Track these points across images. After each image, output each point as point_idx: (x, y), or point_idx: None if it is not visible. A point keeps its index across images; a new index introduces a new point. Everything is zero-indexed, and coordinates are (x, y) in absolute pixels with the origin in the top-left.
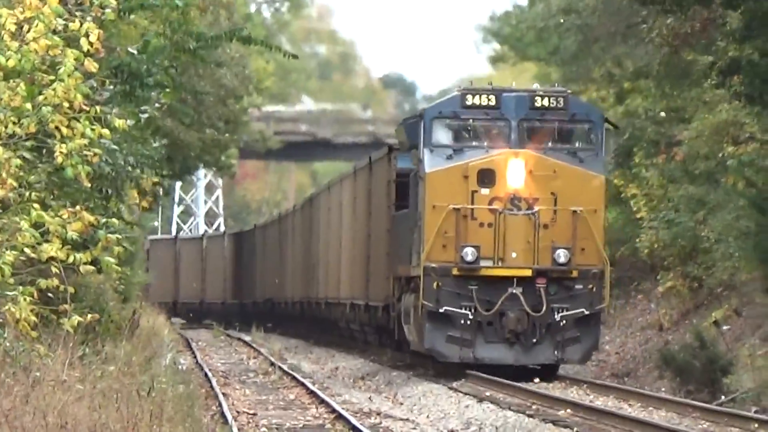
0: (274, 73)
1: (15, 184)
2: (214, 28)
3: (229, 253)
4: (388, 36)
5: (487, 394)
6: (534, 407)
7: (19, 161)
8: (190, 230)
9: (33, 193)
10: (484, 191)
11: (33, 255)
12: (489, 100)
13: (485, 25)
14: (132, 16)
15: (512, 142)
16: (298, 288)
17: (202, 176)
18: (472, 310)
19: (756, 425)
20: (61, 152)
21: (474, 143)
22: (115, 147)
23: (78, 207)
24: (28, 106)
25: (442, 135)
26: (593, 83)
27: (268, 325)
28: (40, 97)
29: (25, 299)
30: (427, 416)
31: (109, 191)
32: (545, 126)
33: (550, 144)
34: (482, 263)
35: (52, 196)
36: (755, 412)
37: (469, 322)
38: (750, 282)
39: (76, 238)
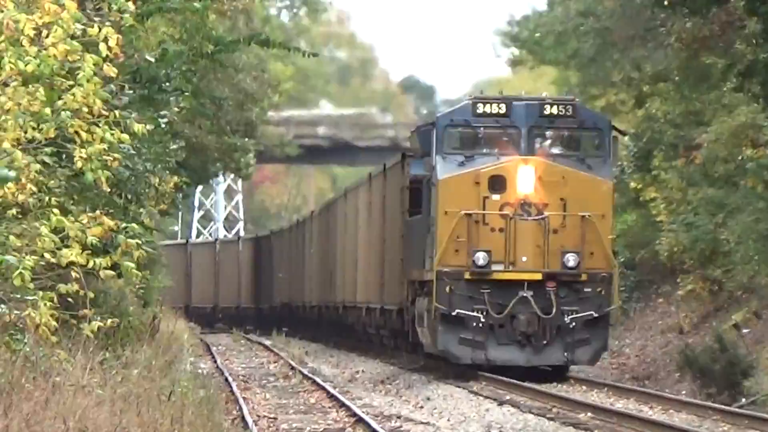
0: (292, 77)
1: (35, 189)
2: (232, 32)
3: (245, 257)
4: (406, 40)
5: (508, 397)
6: (554, 410)
7: (38, 166)
8: (210, 235)
9: (53, 198)
10: (495, 197)
11: (53, 260)
12: (499, 108)
13: (503, 29)
14: (150, 21)
15: (522, 149)
16: (316, 292)
17: (222, 181)
18: (484, 313)
19: None
20: (80, 157)
21: (485, 150)
22: (133, 152)
23: (98, 212)
24: (48, 111)
25: (454, 142)
26: (612, 87)
27: (284, 329)
28: (59, 102)
29: (45, 304)
30: (448, 420)
31: (129, 196)
32: (554, 133)
33: (559, 151)
34: (494, 267)
35: (71, 201)
36: None
37: (481, 325)
38: None
39: (95, 242)
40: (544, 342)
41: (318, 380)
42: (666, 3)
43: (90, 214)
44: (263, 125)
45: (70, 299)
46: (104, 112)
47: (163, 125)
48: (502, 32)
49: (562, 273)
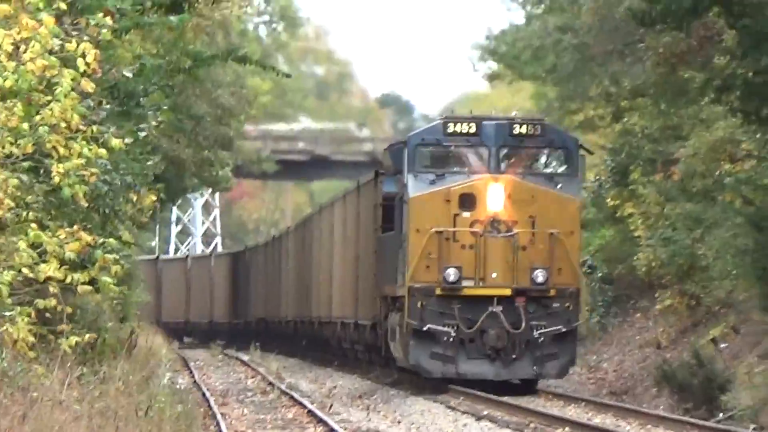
0: (270, 92)
1: (12, 204)
2: (210, 47)
3: (219, 273)
4: (384, 55)
5: (485, 412)
6: (532, 425)
7: (16, 181)
8: (188, 250)
9: (30, 213)
10: (466, 215)
11: (31, 275)
12: (469, 127)
13: (481, 43)
14: (127, 37)
15: (492, 167)
16: (292, 307)
17: (199, 196)
18: (455, 328)
19: None
20: (58, 172)
21: (455, 169)
22: (110, 167)
23: (75, 227)
24: (25, 126)
25: (425, 161)
26: (590, 101)
27: (256, 343)
28: (37, 117)
29: (23, 319)
30: None
31: (107, 211)
32: (523, 152)
33: (528, 169)
34: (464, 283)
35: (49, 217)
36: (753, 429)
37: (451, 340)
38: (748, 300)
39: (73, 258)
40: (514, 356)
41: (295, 396)
42: (643, 20)
43: (68, 230)
44: (240, 140)
45: (47, 314)
46: (82, 127)
47: (141, 137)
48: (480, 46)
49: (531, 289)
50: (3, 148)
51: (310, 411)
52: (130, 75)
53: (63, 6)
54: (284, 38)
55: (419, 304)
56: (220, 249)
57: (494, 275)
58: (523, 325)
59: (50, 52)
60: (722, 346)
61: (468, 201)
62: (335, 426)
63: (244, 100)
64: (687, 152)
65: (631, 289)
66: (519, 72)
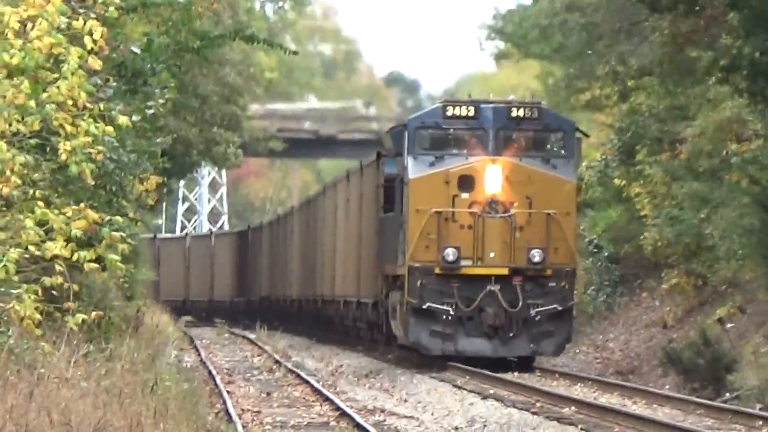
0: (276, 68)
1: (19, 181)
2: (217, 26)
3: (220, 252)
4: (391, 34)
5: (491, 391)
6: (538, 404)
7: (23, 159)
8: (194, 228)
9: (37, 191)
10: (464, 196)
11: (37, 253)
12: (468, 111)
13: (489, 22)
14: (134, 17)
15: (490, 150)
16: (297, 286)
17: (206, 174)
18: (454, 307)
19: (760, 422)
20: (65, 150)
21: (454, 151)
22: (116, 144)
23: (82, 204)
24: (32, 103)
25: (424, 143)
26: (597, 81)
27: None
28: (44, 95)
29: (29, 297)
30: (432, 413)
31: (113, 188)
32: (520, 135)
33: (525, 151)
34: (462, 263)
35: (56, 194)
36: (759, 409)
37: (450, 318)
38: (754, 279)
39: (80, 235)
40: (511, 334)
41: (302, 374)
42: (653, 5)
43: (74, 207)
44: (247, 120)
45: (54, 292)
46: (89, 105)
47: (148, 114)
48: (487, 26)
49: (527, 268)
50: (10, 125)
51: (316, 389)
52: (137, 51)
53: None
54: (291, 17)
55: (419, 283)
56: (226, 227)
57: (492, 255)
58: (520, 303)
59: (57, 30)
60: (728, 326)
61: (466, 182)
62: (341, 404)
63: (252, 78)
64: (693, 132)
65: (637, 269)
66: (526, 51)
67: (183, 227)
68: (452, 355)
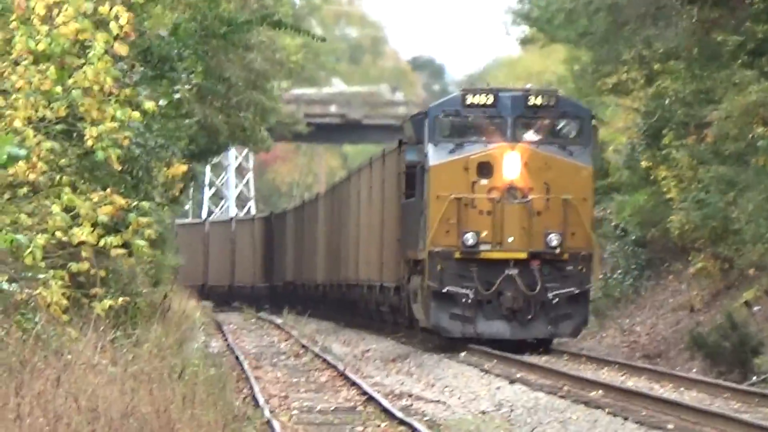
0: (300, 50)
1: (46, 167)
2: (243, 11)
3: (241, 237)
4: (417, 18)
5: (519, 375)
6: (565, 388)
7: (49, 144)
8: (221, 213)
9: (63, 177)
10: (483, 182)
11: (64, 239)
12: (487, 99)
13: (514, 7)
14: (160, 1)
15: (508, 137)
16: (323, 271)
17: (233, 159)
18: (473, 290)
19: None
20: (91, 136)
21: (473, 138)
22: (142, 130)
23: (108, 190)
24: (58, 89)
25: (444, 131)
26: (623, 65)
27: (288, 307)
28: (70, 81)
29: (56, 283)
30: (459, 398)
31: (140, 173)
32: (538, 122)
33: (542, 138)
34: (482, 247)
35: (82, 180)
36: None
37: (470, 301)
38: None
39: (106, 221)
40: (529, 317)
41: (328, 359)
42: None
43: (101, 193)
44: (274, 105)
45: (81, 278)
46: (115, 91)
47: (175, 99)
48: (513, 10)
49: (545, 252)
50: (36, 111)
51: (343, 374)
52: (164, 36)
53: None
54: (317, 1)
55: (439, 267)
56: (253, 212)
57: (510, 239)
58: (539, 287)
59: (83, 15)
60: (755, 309)
61: (486, 169)
62: (368, 389)
63: (278, 64)
64: (719, 115)
65: (664, 252)
66: (551, 36)
67: (210, 213)
68: (472, 337)
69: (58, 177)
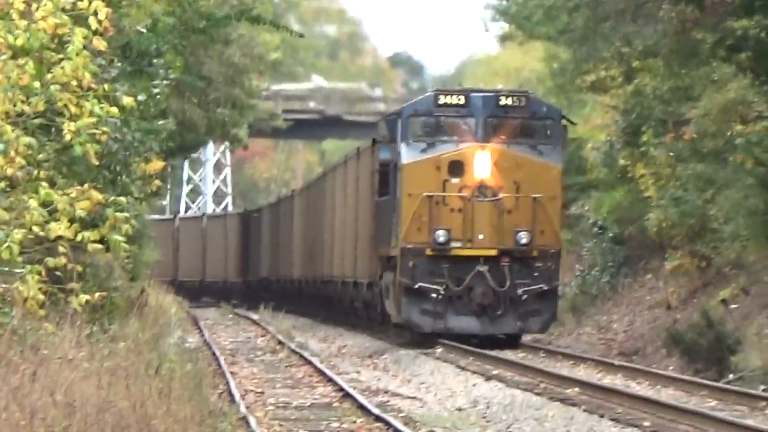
0: (279, 47)
1: (23, 162)
2: (222, 6)
3: (213, 234)
4: (396, 15)
5: (495, 372)
6: (542, 386)
7: (27, 139)
8: (198, 209)
9: (41, 172)
10: (455, 180)
11: (41, 233)
12: (459, 99)
13: (493, 3)
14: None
15: (479, 136)
16: (298, 267)
17: (211, 155)
18: (444, 286)
19: (763, 403)
20: (69, 130)
21: (445, 138)
22: (119, 125)
23: (86, 185)
24: (37, 84)
25: (417, 130)
26: (602, 62)
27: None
28: (49, 76)
29: (33, 278)
30: (435, 394)
31: (118, 168)
32: (509, 122)
33: (513, 138)
34: (453, 244)
35: (60, 175)
36: (763, 390)
37: (440, 297)
38: (758, 261)
39: (84, 216)
40: (499, 312)
41: (305, 355)
42: None
43: (78, 188)
44: (253, 100)
45: (58, 273)
46: (93, 86)
47: (154, 94)
48: (492, 7)
49: (515, 249)
50: (14, 106)
51: (319, 370)
52: (143, 31)
53: None
54: None
55: (411, 264)
56: (230, 208)
57: (481, 237)
58: (508, 283)
59: (62, 11)
60: (732, 307)
61: (457, 168)
62: (345, 385)
63: (257, 59)
64: (698, 113)
65: (641, 250)
66: (530, 32)
67: (187, 208)
68: (442, 332)
69: (35, 172)
